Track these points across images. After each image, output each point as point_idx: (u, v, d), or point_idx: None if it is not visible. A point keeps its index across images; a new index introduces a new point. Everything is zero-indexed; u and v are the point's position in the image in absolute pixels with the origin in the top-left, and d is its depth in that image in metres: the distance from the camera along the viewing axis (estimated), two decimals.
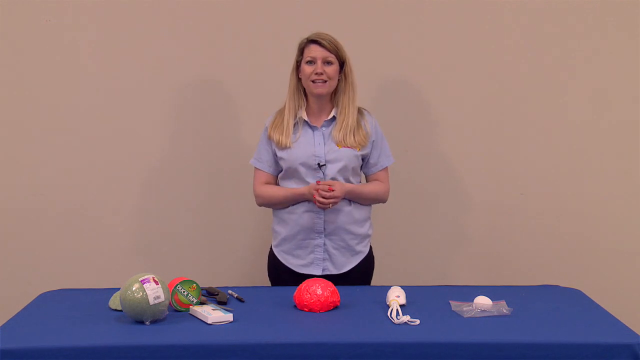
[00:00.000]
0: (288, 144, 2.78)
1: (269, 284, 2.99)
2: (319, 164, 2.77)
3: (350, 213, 2.82)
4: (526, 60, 3.40)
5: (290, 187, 2.82)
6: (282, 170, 2.85)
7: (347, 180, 2.81)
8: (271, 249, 2.93)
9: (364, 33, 3.34)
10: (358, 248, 2.87)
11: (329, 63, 2.75)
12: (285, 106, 2.84)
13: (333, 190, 2.70)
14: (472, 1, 3.37)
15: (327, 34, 2.78)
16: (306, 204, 2.79)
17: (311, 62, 2.75)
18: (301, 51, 2.79)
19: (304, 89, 2.82)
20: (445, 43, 3.39)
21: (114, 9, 3.31)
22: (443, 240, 3.52)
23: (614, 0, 3.37)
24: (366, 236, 2.90)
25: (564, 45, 3.40)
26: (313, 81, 2.75)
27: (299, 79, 2.82)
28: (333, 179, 2.78)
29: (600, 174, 3.46)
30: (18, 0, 3.28)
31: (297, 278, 2.76)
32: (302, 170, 2.78)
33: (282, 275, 2.88)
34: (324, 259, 2.83)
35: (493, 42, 3.39)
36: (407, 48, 3.39)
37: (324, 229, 2.81)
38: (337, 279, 2.73)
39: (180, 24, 3.35)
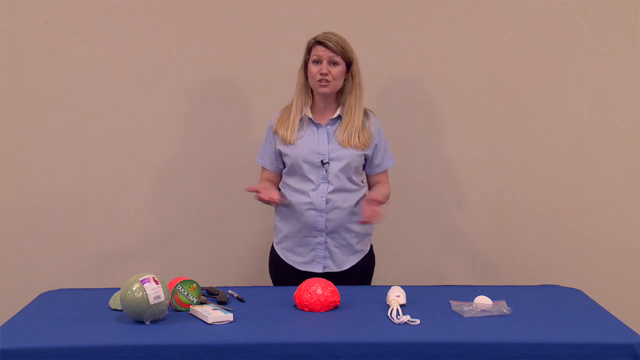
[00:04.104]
0: (292, 140, 2.80)
1: (269, 283, 3.00)
2: (322, 161, 2.79)
3: (351, 212, 2.82)
4: (527, 60, 3.40)
5: (293, 183, 2.83)
6: (284, 167, 2.87)
7: (350, 179, 2.82)
8: (272, 246, 2.94)
9: (367, 33, 3.33)
10: (358, 247, 2.88)
11: (334, 64, 2.76)
12: (292, 103, 2.86)
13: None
14: (473, 2, 3.37)
15: (334, 35, 2.79)
16: (308, 202, 2.80)
17: (317, 61, 2.77)
18: (309, 50, 2.81)
19: (311, 87, 2.84)
20: (446, 43, 3.39)
21: (115, 8, 3.31)
22: (443, 240, 3.52)
23: (614, 0, 3.37)
24: (367, 235, 2.91)
25: (564, 45, 3.40)
26: (319, 80, 2.77)
27: (306, 78, 2.83)
28: (336, 177, 2.79)
29: (601, 174, 3.46)
30: (18, 0, 3.29)
31: (298, 275, 2.78)
32: (304, 167, 2.80)
33: (283, 272, 2.89)
34: (324, 257, 2.84)
35: (494, 43, 3.39)
36: (409, 48, 3.39)
37: (326, 227, 2.82)
38: (337, 277, 2.75)
39: (184, 23, 3.34)
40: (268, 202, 2.74)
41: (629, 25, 3.38)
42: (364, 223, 2.74)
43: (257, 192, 2.73)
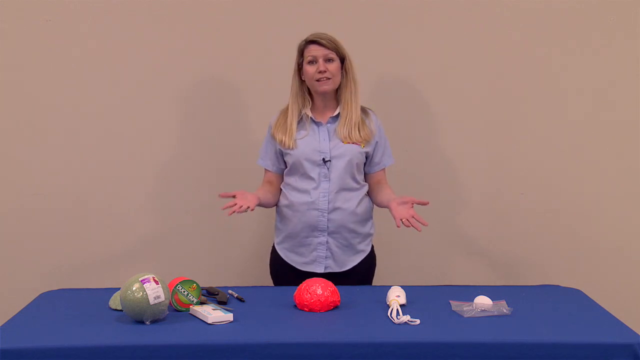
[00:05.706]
0: (291, 145, 2.80)
1: (270, 283, 3.00)
2: (324, 159, 2.79)
3: (353, 212, 2.83)
4: (526, 59, 3.40)
5: (294, 182, 2.83)
6: (286, 168, 2.88)
7: (352, 176, 2.82)
8: (273, 246, 2.94)
9: (364, 32, 3.34)
10: (360, 247, 2.88)
11: (330, 60, 2.76)
12: (288, 107, 2.85)
13: None
14: (474, 2, 3.37)
15: (324, 33, 2.79)
16: (310, 202, 2.80)
17: (313, 61, 2.77)
18: (301, 53, 2.80)
19: (308, 89, 2.83)
20: (445, 42, 3.39)
21: (114, 8, 3.31)
22: (443, 240, 3.52)
23: (614, 0, 3.37)
24: (368, 235, 2.91)
25: (564, 45, 3.40)
26: (317, 80, 2.77)
27: (302, 81, 2.82)
28: (338, 175, 2.79)
29: (601, 174, 3.46)
30: (18, 0, 3.28)
31: (299, 276, 2.77)
32: (306, 165, 2.80)
33: (284, 272, 2.89)
34: (326, 257, 2.84)
35: (493, 42, 3.39)
36: (407, 47, 3.39)
37: (327, 227, 2.82)
38: (338, 277, 2.75)
39: (184, 23, 3.34)
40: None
41: (629, 25, 3.38)
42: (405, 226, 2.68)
43: (233, 196, 2.68)
